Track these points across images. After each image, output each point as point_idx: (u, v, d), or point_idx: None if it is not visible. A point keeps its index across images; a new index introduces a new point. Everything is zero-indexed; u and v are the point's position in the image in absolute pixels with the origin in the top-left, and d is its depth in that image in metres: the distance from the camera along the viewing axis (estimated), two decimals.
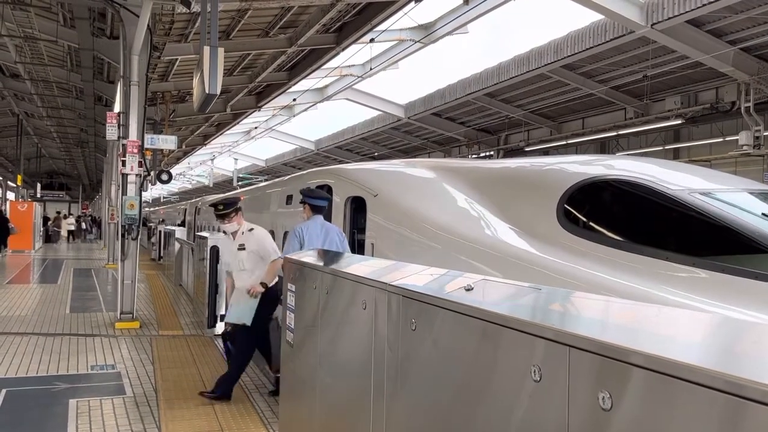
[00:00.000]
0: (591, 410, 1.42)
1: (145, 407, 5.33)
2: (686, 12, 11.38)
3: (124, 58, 9.96)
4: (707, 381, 1.15)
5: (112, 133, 9.90)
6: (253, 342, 5.83)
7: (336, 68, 18.72)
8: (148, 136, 10.94)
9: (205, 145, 32.10)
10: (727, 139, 15.23)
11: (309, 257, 3.90)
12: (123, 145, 9.62)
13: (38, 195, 38.08)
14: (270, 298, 5.78)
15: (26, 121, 26.40)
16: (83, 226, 39.84)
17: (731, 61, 13.03)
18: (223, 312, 8.77)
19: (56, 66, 17.18)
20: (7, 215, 24.78)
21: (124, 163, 9.46)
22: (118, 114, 10.00)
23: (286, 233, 9.00)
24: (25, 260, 21.48)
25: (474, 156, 23.22)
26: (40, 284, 14.49)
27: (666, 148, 17.35)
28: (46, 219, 36.65)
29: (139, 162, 9.55)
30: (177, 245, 15.51)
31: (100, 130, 21.41)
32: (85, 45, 13.29)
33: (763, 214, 3.98)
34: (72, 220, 37.10)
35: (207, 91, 7.68)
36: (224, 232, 6.14)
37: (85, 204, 52.71)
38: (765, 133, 13.57)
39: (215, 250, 8.80)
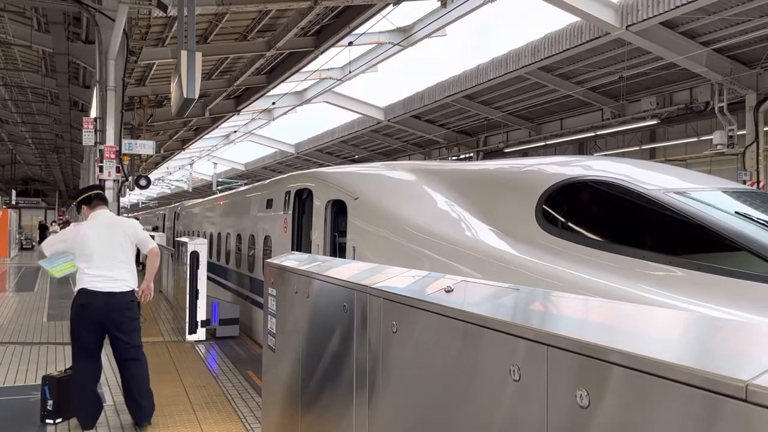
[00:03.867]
0: (569, 408, 1.44)
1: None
2: (660, 14, 11.55)
3: (100, 62, 9.87)
4: (684, 378, 1.17)
5: (88, 138, 9.79)
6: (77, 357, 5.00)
7: (315, 71, 18.68)
8: (125, 141, 10.86)
9: (184, 149, 31.82)
10: (701, 138, 15.47)
11: (289, 261, 3.90)
12: (100, 150, 9.52)
13: (13, 202, 37.51)
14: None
15: (0, 127, 25.98)
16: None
17: (705, 62, 13.24)
18: (204, 317, 8.74)
19: (31, 71, 16.94)
20: None
21: (101, 169, 9.36)
22: (95, 119, 9.90)
23: (267, 237, 8.97)
24: (1, 268, 21.12)
25: (454, 158, 23.32)
26: (17, 292, 14.26)
27: (642, 148, 17.57)
28: (43, 227, 36.62)
29: (117, 167, 9.46)
30: None
31: (76, 136, 21.13)
32: (60, 50, 13.12)
33: (737, 212, 4.05)
34: (57, 228, 36.83)
35: (185, 96, 7.63)
36: None
37: (62, 211, 51.97)
38: (738, 133, 13.81)
39: (196, 256, 8.75)
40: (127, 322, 4.97)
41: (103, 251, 4.91)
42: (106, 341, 5.03)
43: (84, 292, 4.86)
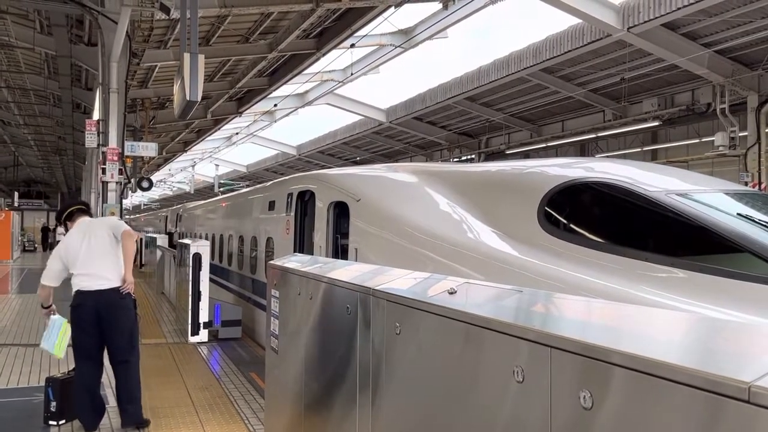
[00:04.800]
0: (572, 409, 1.45)
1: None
2: (662, 15, 11.55)
3: (102, 65, 9.89)
4: (687, 379, 1.18)
5: (91, 140, 9.82)
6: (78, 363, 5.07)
7: (317, 73, 18.72)
8: (128, 143, 10.88)
9: (186, 151, 31.88)
10: (703, 140, 15.45)
11: (292, 263, 3.91)
12: (103, 152, 9.55)
13: (16, 204, 37.59)
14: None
15: (3, 129, 26.03)
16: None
17: (706, 64, 13.24)
18: (206, 319, 8.75)
19: (33, 73, 16.98)
20: None
21: (104, 171, 9.38)
22: (98, 121, 9.93)
23: (269, 239, 8.98)
24: (4, 270, 21.16)
25: (456, 159, 23.32)
26: (19, 294, 14.28)
27: (644, 149, 17.56)
28: (46, 229, 37.03)
29: (120, 169, 9.49)
30: (159, 252, 15.39)
31: (78, 138, 21.17)
32: (63, 52, 13.16)
33: (738, 214, 4.06)
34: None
35: (188, 98, 7.64)
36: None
37: None
38: (740, 134, 13.79)
39: (198, 257, 8.76)
40: (122, 319, 4.96)
41: (85, 250, 4.98)
42: None
43: (76, 294, 4.94)
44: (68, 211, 5.41)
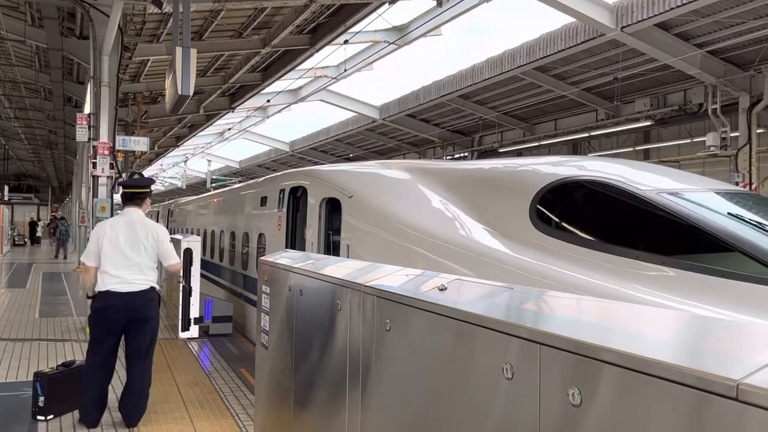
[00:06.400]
0: (561, 406, 1.45)
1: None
2: (655, 15, 11.61)
3: (94, 58, 9.82)
4: (676, 376, 1.18)
5: (82, 134, 9.76)
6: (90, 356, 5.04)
7: (310, 69, 18.68)
8: (119, 138, 10.82)
9: (178, 146, 31.74)
10: (695, 140, 15.54)
11: (283, 259, 3.89)
12: (94, 146, 9.48)
13: (6, 198, 37.38)
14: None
15: None
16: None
17: (698, 64, 13.30)
18: (197, 315, 8.72)
19: (24, 66, 16.86)
20: None
21: (95, 165, 9.32)
22: (89, 115, 9.86)
23: (261, 235, 8.96)
24: None
25: (448, 157, 23.34)
26: (8, 288, 14.19)
27: (636, 149, 17.64)
28: (34, 223, 36.94)
29: (111, 164, 9.42)
30: None
31: (69, 132, 21.04)
32: (54, 45, 13.07)
33: (729, 213, 4.07)
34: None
35: (179, 93, 7.61)
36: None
37: (55, 207, 51.72)
38: (731, 135, 13.88)
39: (189, 253, 8.73)
40: (151, 322, 4.98)
41: (119, 252, 4.91)
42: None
43: (103, 294, 4.87)
44: (123, 192, 5.34)
